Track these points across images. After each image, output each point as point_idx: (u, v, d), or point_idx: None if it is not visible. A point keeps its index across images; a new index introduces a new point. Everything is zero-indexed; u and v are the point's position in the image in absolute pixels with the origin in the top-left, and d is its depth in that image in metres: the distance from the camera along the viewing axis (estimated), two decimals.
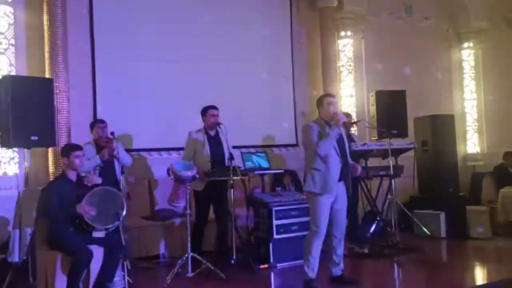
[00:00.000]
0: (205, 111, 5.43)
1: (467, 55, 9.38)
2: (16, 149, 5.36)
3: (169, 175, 4.90)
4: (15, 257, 4.62)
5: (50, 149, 5.67)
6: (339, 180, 4.33)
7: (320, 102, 4.49)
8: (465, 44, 9.34)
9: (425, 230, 6.58)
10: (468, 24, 9.19)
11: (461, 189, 7.60)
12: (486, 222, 6.75)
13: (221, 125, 5.28)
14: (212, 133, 5.46)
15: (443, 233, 6.55)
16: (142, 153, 6.55)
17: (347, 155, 4.44)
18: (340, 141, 4.37)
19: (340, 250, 4.46)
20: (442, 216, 6.57)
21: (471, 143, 9.29)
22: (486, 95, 9.34)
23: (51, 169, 5.71)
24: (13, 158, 5.56)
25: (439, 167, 6.96)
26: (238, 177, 5.02)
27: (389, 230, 6.08)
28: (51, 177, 5.65)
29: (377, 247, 5.81)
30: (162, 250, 5.86)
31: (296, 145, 7.65)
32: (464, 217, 6.63)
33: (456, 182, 7.14)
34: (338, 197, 4.36)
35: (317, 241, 4.29)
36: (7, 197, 5.13)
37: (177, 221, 6.00)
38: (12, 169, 5.53)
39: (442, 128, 7.07)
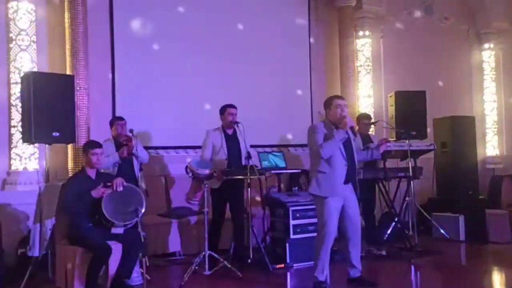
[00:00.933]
0: (223, 110, 5.43)
1: (488, 56, 9.25)
2: (36, 144, 5.40)
3: (187, 172, 4.91)
4: (35, 252, 4.67)
5: (69, 146, 5.73)
6: (346, 182, 4.25)
7: (328, 104, 4.40)
8: (486, 45, 9.20)
9: (444, 233, 6.50)
10: (489, 24, 9.07)
11: (479, 192, 7.50)
12: (506, 225, 6.66)
13: (238, 124, 5.28)
14: (230, 132, 5.46)
15: (462, 236, 6.46)
16: (159, 150, 6.58)
17: (353, 158, 4.36)
18: (347, 143, 4.29)
19: (357, 252, 4.41)
20: (461, 219, 6.48)
21: (491, 145, 9.16)
22: (506, 97, 9.22)
23: (70, 165, 5.78)
24: (33, 154, 5.61)
25: (458, 169, 6.87)
26: (255, 176, 5.01)
27: (407, 232, 6.02)
28: (69, 173, 5.71)
29: (394, 249, 5.77)
30: (178, 247, 5.88)
31: None
32: (484, 221, 6.54)
33: (475, 184, 7.03)
34: (348, 200, 4.29)
35: (325, 244, 4.24)
36: (28, 191, 5.20)
37: (193, 219, 6.03)
38: (32, 164, 5.59)
39: (462, 129, 6.98)
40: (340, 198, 4.24)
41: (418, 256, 5.50)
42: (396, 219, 6.12)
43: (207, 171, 4.78)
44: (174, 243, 5.88)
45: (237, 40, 7.06)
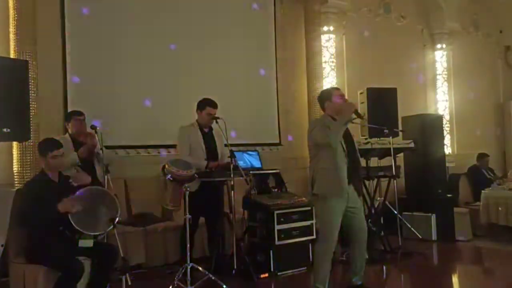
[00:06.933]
0: (202, 107, 4.87)
1: (440, 56, 9.37)
2: None
3: (165, 174, 4.30)
4: None
5: (14, 143, 4.88)
6: (348, 182, 3.90)
7: (326, 96, 4.05)
8: (438, 45, 9.31)
9: (416, 233, 6.38)
10: (442, 25, 9.19)
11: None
12: (468, 224, 6.69)
13: (218, 120, 4.75)
14: (206, 129, 4.94)
15: (434, 236, 6.40)
16: (118, 150, 5.84)
17: (355, 154, 4.05)
18: (348, 138, 3.98)
19: (363, 257, 4.07)
20: (433, 218, 6.42)
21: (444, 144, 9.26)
22: (457, 97, 9.40)
23: (15, 167, 4.92)
24: None
25: (428, 168, 6.76)
26: (242, 177, 4.53)
27: (381, 234, 5.81)
28: (15, 177, 4.89)
29: (376, 252, 5.51)
30: (142, 259, 5.24)
31: (279, 144, 7.22)
32: (452, 220, 6.51)
33: (444, 183, 6.98)
34: (351, 201, 3.95)
35: (328, 251, 3.90)
36: None
37: (159, 226, 5.43)
38: None
39: (431, 127, 6.90)
40: (343, 199, 3.89)
41: (403, 259, 5.31)
42: (369, 220, 5.88)
43: (189, 173, 4.20)
44: (137, 255, 5.23)
45: (201, 34, 6.45)
